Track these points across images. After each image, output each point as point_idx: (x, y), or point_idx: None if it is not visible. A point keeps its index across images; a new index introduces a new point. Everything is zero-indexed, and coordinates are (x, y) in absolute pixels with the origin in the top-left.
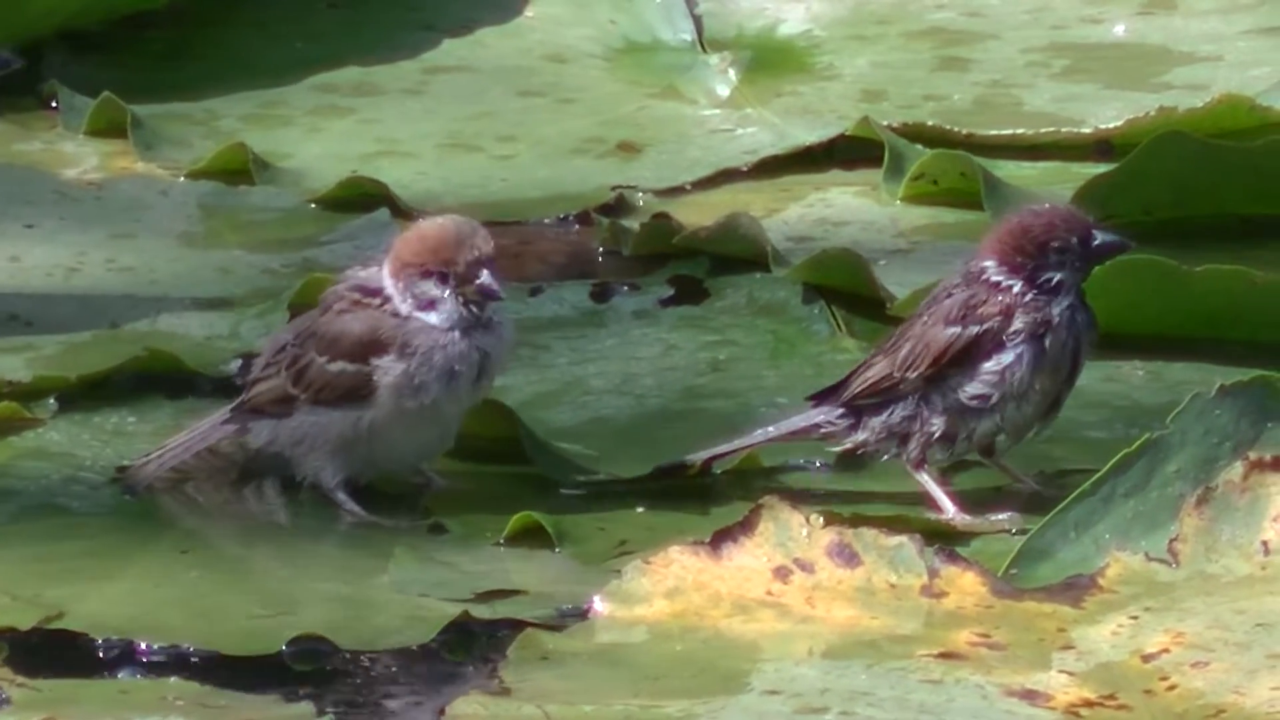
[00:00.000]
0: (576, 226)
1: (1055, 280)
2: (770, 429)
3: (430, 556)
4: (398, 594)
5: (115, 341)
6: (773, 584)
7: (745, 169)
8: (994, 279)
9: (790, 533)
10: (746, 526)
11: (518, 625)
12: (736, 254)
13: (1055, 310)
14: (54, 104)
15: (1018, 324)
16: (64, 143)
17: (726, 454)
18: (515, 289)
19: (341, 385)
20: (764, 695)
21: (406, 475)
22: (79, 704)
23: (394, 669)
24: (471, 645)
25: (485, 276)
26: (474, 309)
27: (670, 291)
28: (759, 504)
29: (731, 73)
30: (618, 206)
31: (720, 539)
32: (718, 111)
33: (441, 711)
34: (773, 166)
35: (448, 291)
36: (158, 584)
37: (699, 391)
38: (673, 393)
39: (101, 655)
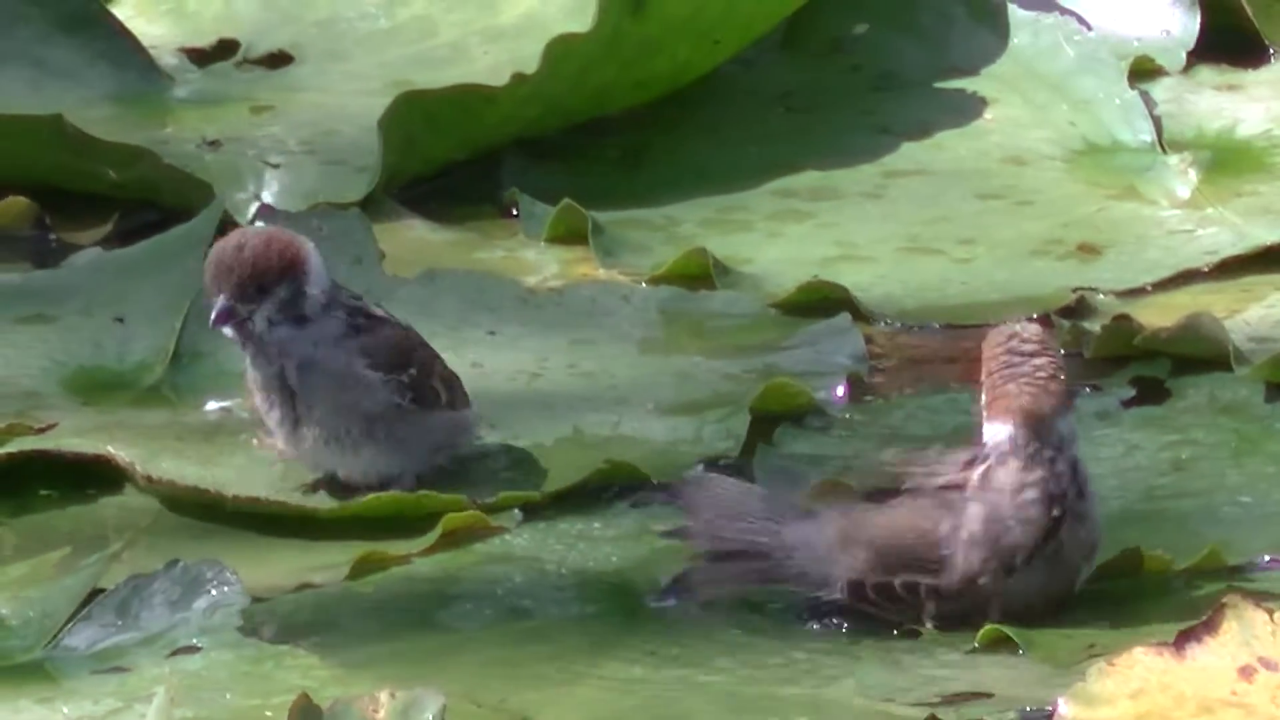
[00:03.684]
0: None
1: None
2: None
3: (898, 661)
4: (863, 698)
5: (578, 447)
6: (1237, 683)
7: (1206, 269)
8: None
9: (1254, 630)
10: (1210, 626)
11: None
12: (1198, 354)
13: None
14: (514, 211)
15: None
16: (525, 250)
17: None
18: (977, 391)
19: None
20: None
21: None
22: None
23: None
24: None
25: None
26: None
27: (1132, 392)
28: (1222, 603)
29: (1192, 173)
30: (1078, 308)
31: (1184, 639)
32: (1178, 212)
33: None
34: (1233, 267)
35: None
36: (623, 690)
37: (1161, 492)
38: (1135, 493)
39: None
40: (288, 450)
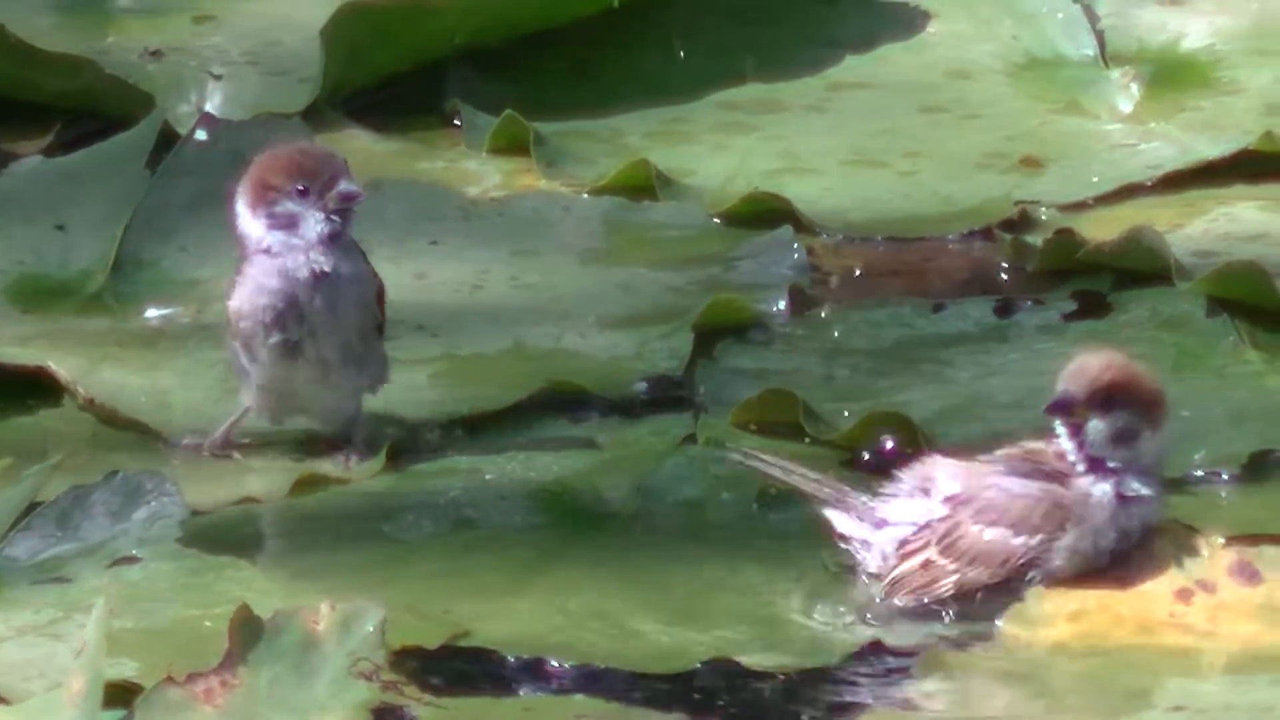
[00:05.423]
0: (980, 242)
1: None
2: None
3: (842, 580)
4: (808, 617)
5: (520, 359)
6: (1175, 605)
7: (1149, 183)
8: None
9: (1191, 555)
10: (1146, 551)
11: (924, 644)
12: (1140, 268)
13: None
14: (456, 122)
15: None
16: (467, 160)
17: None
18: (918, 305)
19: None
20: (1168, 712)
21: None
22: None
23: (801, 687)
24: (877, 664)
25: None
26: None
27: (1074, 306)
28: (1159, 528)
29: (1134, 87)
30: (1021, 222)
31: (1122, 562)
32: (1120, 126)
33: None
34: (1176, 181)
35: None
36: (566, 599)
37: None
38: None
39: (509, 673)
40: (260, 404)
